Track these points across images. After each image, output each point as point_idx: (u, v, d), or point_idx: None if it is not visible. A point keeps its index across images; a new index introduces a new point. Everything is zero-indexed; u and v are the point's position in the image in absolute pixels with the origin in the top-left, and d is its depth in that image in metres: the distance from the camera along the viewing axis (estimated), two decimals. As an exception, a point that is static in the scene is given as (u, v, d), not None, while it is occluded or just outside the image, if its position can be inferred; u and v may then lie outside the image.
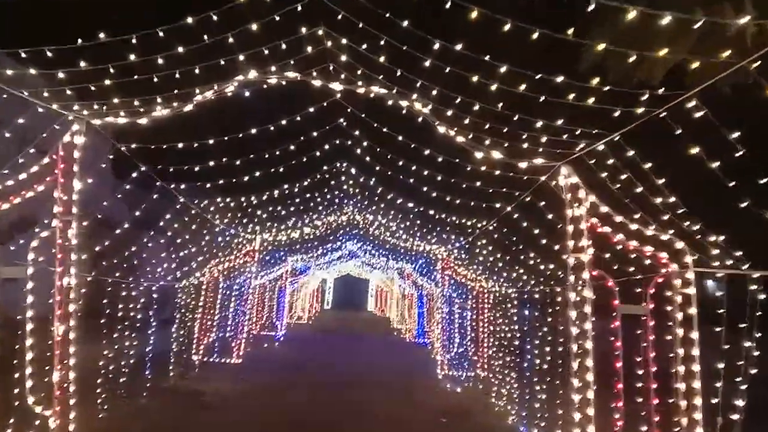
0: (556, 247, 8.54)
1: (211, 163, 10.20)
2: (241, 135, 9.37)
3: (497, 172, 7.74)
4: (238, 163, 10.46)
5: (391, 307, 48.45)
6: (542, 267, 10.37)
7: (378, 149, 9.15)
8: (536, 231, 9.17)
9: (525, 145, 6.84)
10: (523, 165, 6.97)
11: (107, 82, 6.61)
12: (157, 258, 13.18)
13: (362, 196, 12.94)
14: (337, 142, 9.88)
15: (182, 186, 12.02)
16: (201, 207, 12.53)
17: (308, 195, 12.56)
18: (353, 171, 11.34)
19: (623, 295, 7.82)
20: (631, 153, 6.43)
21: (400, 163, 9.01)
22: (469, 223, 11.33)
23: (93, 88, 6.79)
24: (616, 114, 5.80)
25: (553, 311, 10.60)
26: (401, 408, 13.68)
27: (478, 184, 8.73)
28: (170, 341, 14.75)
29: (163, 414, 11.65)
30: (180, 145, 8.94)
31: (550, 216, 8.28)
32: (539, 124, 6.50)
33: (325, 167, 11.02)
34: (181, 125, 8.24)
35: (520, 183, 8.11)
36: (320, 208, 13.89)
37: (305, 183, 11.36)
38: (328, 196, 13.07)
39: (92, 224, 9.41)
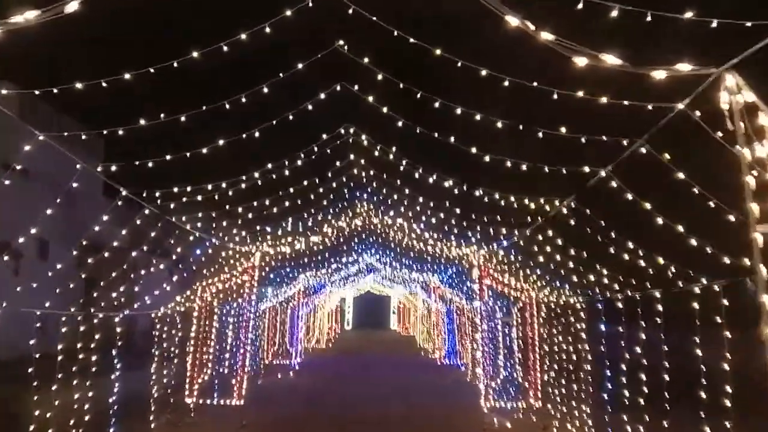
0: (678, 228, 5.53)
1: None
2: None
3: (603, 100, 4.79)
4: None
5: (415, 324, 45.38)
6: (642, 263, 7.37)
7: (399, 84, 6.23)
8: (647, 204, 6.11)
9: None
10: (659, 75, 4.01)
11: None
12: (122, 282, 10.37)
13: (378, 180, 10.07)
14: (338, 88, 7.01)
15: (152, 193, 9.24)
16: (172, 213, 9.73)
17: (307, 183, 9.73)
18: (364, 139, 8.43)
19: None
20: None
21: (435, 104, 6.05)
22: (532, 205, 8.34)
23: None
24: None
25: (667, 324, 7.54)
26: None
27: (563, 130, 5.73)
28: (149, 383, 11.86)
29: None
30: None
31: (681, 175, 5.27)
32: None
33: (325, 135, 8.16)
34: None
35: (638, 119, 5.12)
36: (325, 202, 11.03)
37: (301, 163, 8.53)
38: (335, 185, 10.22)
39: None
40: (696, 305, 6.72)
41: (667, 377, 7.54)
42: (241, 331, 14.75)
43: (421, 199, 9.81)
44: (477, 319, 14.76)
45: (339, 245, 16.13)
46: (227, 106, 6.70)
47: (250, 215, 9.85)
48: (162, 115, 6.70)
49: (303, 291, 25.86)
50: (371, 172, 9.64)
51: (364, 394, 17.91)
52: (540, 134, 5.72)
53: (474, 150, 6.74)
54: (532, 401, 14.31)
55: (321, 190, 9.90)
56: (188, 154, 7.60)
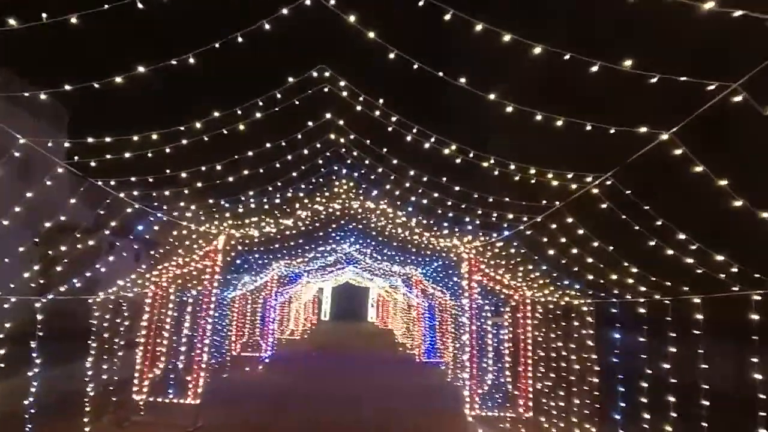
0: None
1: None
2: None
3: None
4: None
5: (394, 318, 43.90)
6: (690, 261, 5.88)
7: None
8: (723, 181, 4.57)
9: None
10: None
11: None
12: (55, 262, 8.68)
13: (360, 147, 8.40)
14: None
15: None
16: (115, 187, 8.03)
17: (270, 145, 8.10)
18: (343, 87, 6.77)
19: None
20: None
21: (446, 17, 4.40)
22: (555, 183, 6.67)
23: None
24: None
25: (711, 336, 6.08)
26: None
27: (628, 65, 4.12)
28: (84, 379, 10.21)
29: None
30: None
31: None
32: None
33: (291, 78, 6.48)
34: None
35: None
36: (295, 174, 9.32)
37: (261, 116, 6.88)
38: (306, 152, 8.54)
39: None
40: (756, 316, 5.32)
41: (707, 402, 6.13)
42: (199, 321, 13.07)
43: (412, 173, 8.21)
44: (464, 318, 13.26)
45: (315, 230, 14.49)
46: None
47: (199, 184, 8.19)
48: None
49: (277, 280, 24.21)
50: (351, 137, 7.97)
51: (336, 396, 16.39)
52: (595, 69, 4.06)
53: (493, 97, 5.08)
54: (522, 411, 12.89)
55: (289, 157, 8.24)
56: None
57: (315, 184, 10.07)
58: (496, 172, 6.78)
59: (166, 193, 8.18)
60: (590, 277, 8.05)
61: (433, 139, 6.48)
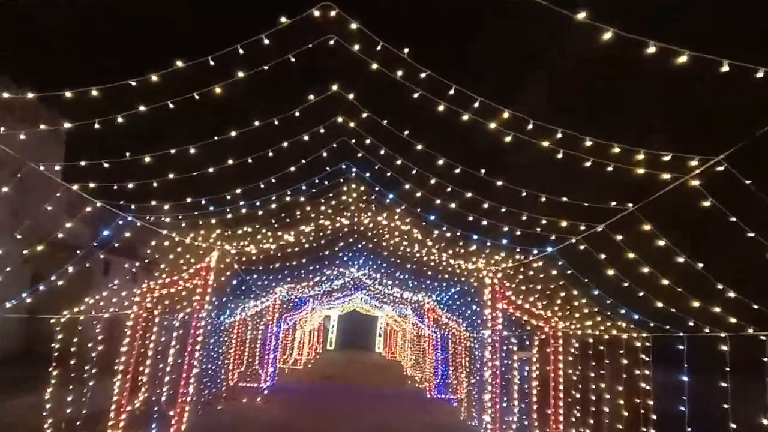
0: None
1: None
2: None
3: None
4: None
5: (402, 349, 42.05)
6: None
7: None
8: None
9: None
10: None
11: None
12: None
13: (372, 143, 6.94)
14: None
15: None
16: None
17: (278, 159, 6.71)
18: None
19: None
20: None
21: None
22: (620, 184, 5.03)
23: None
24: None
25: None
26: None
27: None
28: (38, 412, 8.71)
29: None
30: None
31: None
32: None
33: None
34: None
35: None
36: (295, 174, 7.89)
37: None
38: (315, 156, 7.16)
39: None
40: None
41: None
42: (187, 347, 11.57)
43: (441, 162, 6.69)
44: (486, 352, 11.66)
45: (320, 248, 13.02)
46: None
47: (171, 175, 6.68)
48: None
49: (279, 305, 22.69)
50: (363, 115, 6.50)
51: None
52: None
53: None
54: (552, 461, 11.23)
55: (285, 144, 6.74)
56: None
57: (319, 186, 8.62)
58: (560, 155, 5.25)
59: (130, 185, 6.75)
60: (659, 304, 6.52)
61: (477, 104, 4.99)
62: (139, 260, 10.97)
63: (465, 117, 5.13)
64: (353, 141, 7.21)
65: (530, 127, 4.90)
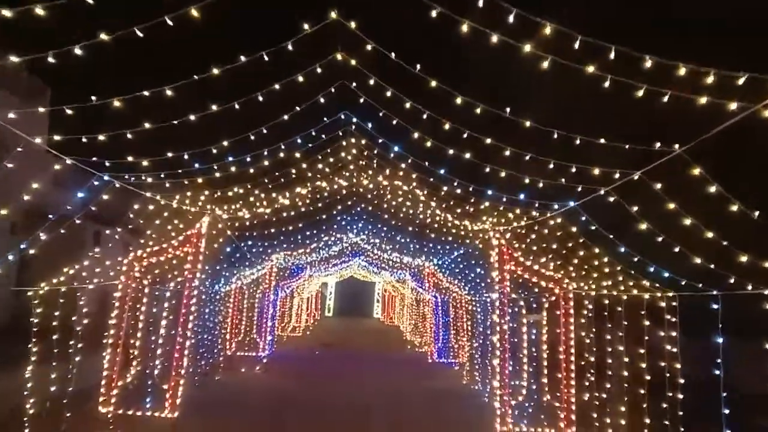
0: None
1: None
2: None
3: None
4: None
5: (401, 314, 41.82)
6: None
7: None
8: None
9: None
10: None
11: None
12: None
13: (377, 83, 6.11)
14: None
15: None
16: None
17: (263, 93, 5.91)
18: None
19: None
20: None
21: None
22: (703, 99, 4.29)
23: None
24: None
25: None
26: None
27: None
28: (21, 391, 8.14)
29: None
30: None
31: None
32: None
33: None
34: None
35: None
36: (288, 125, 7.07)
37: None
38: (311, 101, 6.37)
39: None
40: None
41: None
42: (180, 318, 10.98)
43: (459, 100, 5.87)
44: (494, 316, 11.13)
45: (317, 212, 12.32)
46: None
47: (146, 125, 5.89)
48: None
49: (276, 273, 22.13)
50: (368, 48, 5.66)
51: (341, 403, 14.29)
52: None
53: None
54: (563, 426, 10.81)
55: (277, 86, 5.95)
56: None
57: (316, 141, 7.82)
58: (607, 83, 4.41)
59: (100, 137, 5.97)
60: (697, 260, 5.90)
61: (512, 16, 4.14)
62: (123, 227, 10.28)
63: (494, 38, 4.34)
64: (354, 84, 6.42)
65: (576, 45, 4.12)
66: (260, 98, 5.96)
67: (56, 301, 8.57)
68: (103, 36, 4.50)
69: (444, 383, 18.34)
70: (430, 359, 23.66)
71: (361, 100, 6.63)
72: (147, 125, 5.85)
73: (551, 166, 6.23)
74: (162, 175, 7.50)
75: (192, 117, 5.91)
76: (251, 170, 8.17)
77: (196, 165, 7.25)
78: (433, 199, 9.56)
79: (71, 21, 4.27)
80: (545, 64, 4.40)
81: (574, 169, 6.19)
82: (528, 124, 5.55)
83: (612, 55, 4.09)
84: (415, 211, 11.51)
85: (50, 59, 4.67)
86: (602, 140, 5.39)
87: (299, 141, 7.61)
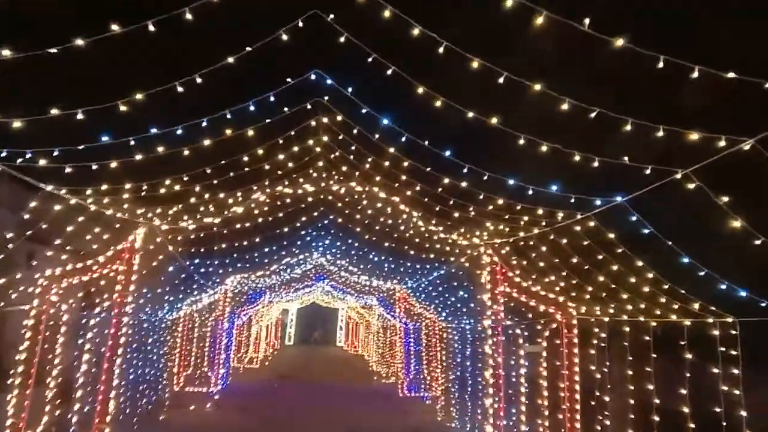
0: None
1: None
2: None
3: None
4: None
5: (366, 342, 39.74)
6: None
7: None
8: None
9: None
10: None
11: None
12: None
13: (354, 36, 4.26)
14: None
15: None
16: None
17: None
18: None
19: None
20: None
21: None
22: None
23: None
24: None
25: None
26: None
27: None
28: None
29: None
30: None
31: None
32: None
33: None
34: None
35: None
36: (249, 105, 5.10)
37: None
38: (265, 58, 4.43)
39: None
40: None
41: None
42: (106, 352, 8.97)
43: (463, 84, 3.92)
44: (486, 347, 9.47)
45: (277, 224, 10.48)
46: None
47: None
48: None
49: (232, 298, 20.05)
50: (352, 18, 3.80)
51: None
52: None
53: None
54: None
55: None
56: None
57: (275, 113, 5.82)
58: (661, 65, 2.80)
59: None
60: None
61: None
62: (36, 238, 8.28)
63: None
64: (330, 17, 4.48)
65: None
66: (189, 17, 3.98)
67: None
68: None
69: (417, 419, 16.56)
70: (401, 393, 21.79)
71: (342, 40, 4.64)
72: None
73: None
74: (55, 153, 5.32)
75: (79, 41, 3.82)
76: (186, 152, 6.05)
77: (104, 138, 5.19)
78: (424, 199, 7.72)
79: None
80: None
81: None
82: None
83: None
84: (394, 221, 9.79)
85: None
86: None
87: (252, 108, 5.59)
